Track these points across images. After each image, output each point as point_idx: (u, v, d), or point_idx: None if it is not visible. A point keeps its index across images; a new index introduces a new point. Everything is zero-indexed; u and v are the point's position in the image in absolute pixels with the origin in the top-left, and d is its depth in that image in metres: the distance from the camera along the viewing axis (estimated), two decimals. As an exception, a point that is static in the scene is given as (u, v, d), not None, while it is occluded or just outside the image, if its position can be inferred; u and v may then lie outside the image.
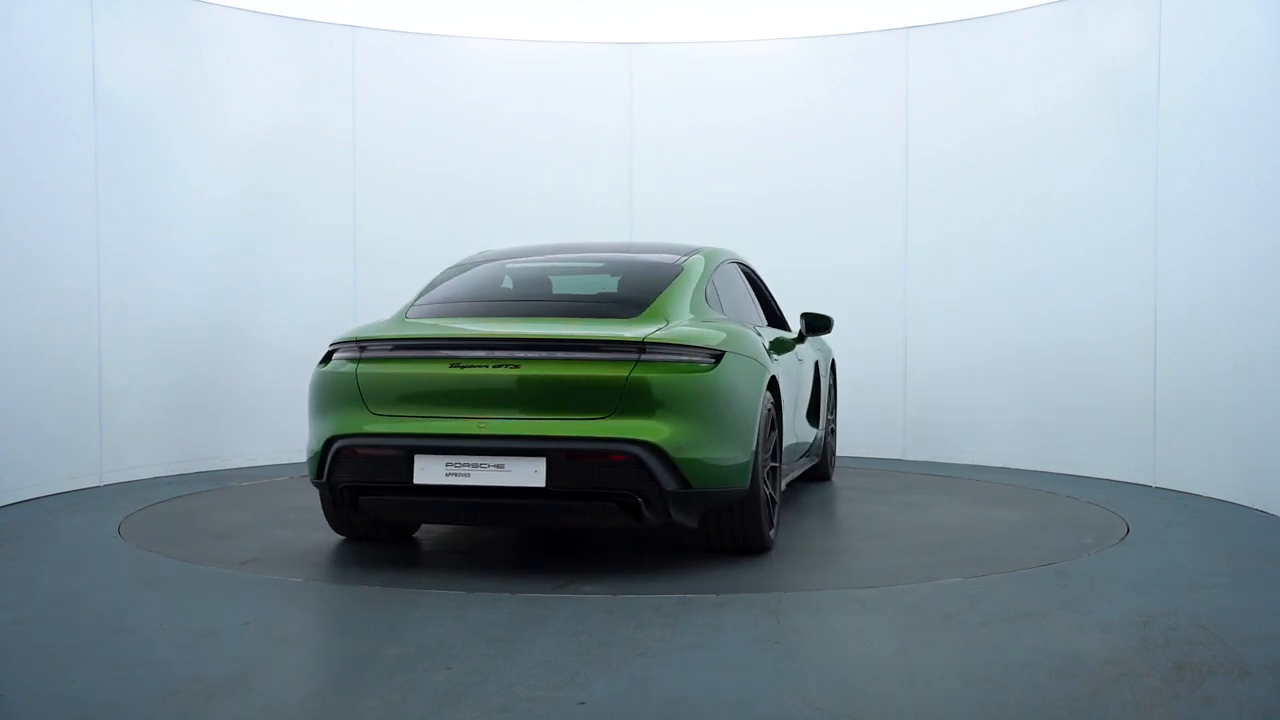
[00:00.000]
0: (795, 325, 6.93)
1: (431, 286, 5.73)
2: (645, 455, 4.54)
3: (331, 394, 4.95)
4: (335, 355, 5.06)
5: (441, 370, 4.76)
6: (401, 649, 3.70)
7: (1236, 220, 6.52)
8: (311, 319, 8.13)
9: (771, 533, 5.24)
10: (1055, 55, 7.92)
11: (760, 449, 5.00)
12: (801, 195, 8.96)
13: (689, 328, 4.96)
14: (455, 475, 4.62)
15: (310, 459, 5.00)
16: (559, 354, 4.71)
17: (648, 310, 5.09)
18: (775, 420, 5.37)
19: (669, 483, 4.58)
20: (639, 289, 5.33)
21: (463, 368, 4.73)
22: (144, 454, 7.53)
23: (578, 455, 4.56)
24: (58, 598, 4.45)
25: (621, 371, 4.63)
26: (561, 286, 5.72)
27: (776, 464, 5.40)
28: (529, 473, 4.57)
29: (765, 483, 5.18)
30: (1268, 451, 6.22)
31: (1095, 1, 7.65)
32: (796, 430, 6.24)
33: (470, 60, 9.02)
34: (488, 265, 5.93)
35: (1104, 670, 3.49)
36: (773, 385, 5.31)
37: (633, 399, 4.60)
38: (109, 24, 7.21)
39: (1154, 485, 7.18)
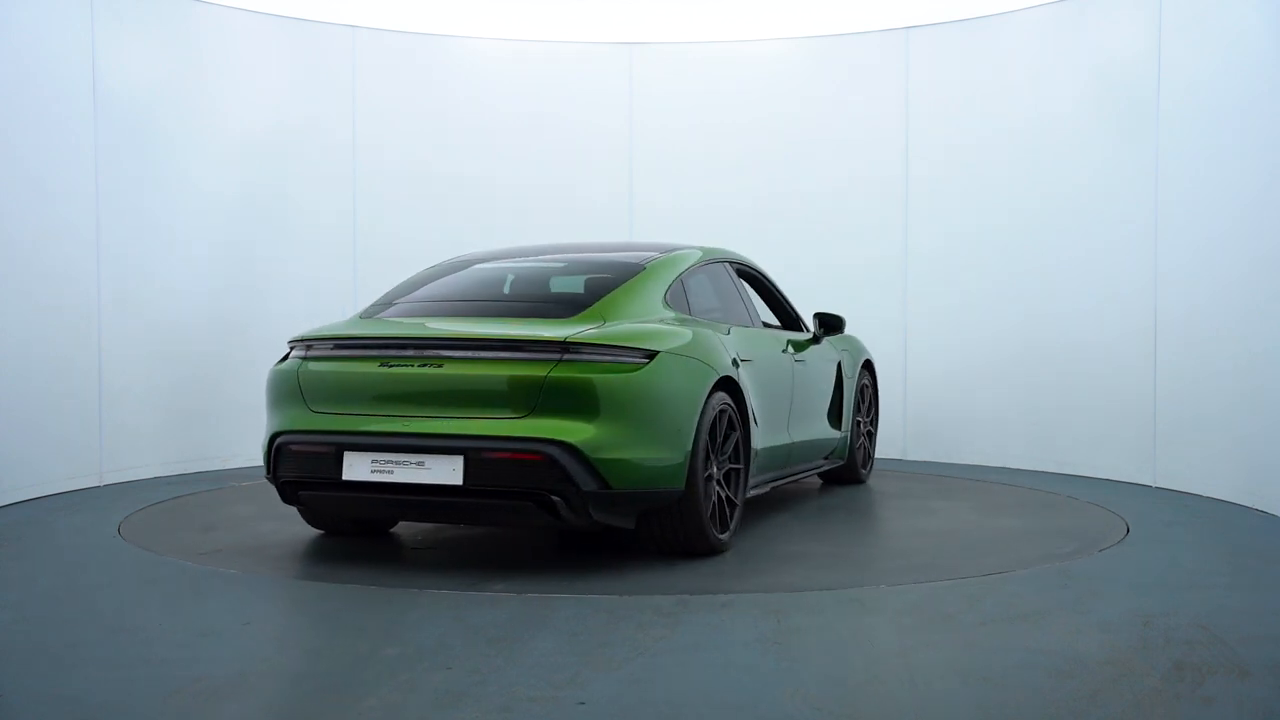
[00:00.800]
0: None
1: (399, 288, 5.82)
2: (560, 455, 4.55)
3: (279, 391, 5.12)
4: (291, 354, 5.21)
5: (372, 369, 4.86)
6: (401, 649, 3.70)
7: (1236, 220, 6.52)
8: (312, 318, 8.11)
9: (726, 534, 5.19)
10: (1055, 55, 7.92)
11: (702, 450, 4.94)
12: (801, 195, 8.96)
13: (623, 327, 4.95)
14: (380, 472, 4.71)
15: (263, 454, 5.13)
16: (481, 354, 4.76)
17: (589, 310, 5.09)
18: (737, 422, 5.31)
19: (587, 483, 4.58)
20: (590, 289, 5.36)
21: (390, 366, 4.82)
22: (144, 454, 7.53)
23: (494, 454, 4.59)
24: (58, 598, 4.45)
25: (540, 371, 4.65)
26: (517, 287, 5.68)
27: (739, 466, 5.34)
28: (447, 471, 4.62)
29: (721, 484, 5.16)
30: (1268, 451, 6.22)
31: (1095, 1, 7.65)
32: (792, 432, 6.18)
33: (470, 60, 9.02)
34: (456, 266, 5.97)
35: (1104, 670, 3.49)
36: (728, 386, 5.24)
37: (552, 399, 4.62)
38: (109, 24, 7.21)
39: (1154, 485, 7.18)
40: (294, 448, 4.95)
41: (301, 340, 5.17)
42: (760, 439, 5.64)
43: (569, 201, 9.04)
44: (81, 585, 4.66)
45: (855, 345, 7.51)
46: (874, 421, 7.75)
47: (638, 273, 5.48)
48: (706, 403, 5.00)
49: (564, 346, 4.70)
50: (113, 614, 4.20)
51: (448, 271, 5.92)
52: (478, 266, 5.92)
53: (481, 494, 4.64)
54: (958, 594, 4.45)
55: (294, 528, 5.79)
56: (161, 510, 6.35)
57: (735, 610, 4.19)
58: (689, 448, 4.87)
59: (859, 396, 7.39)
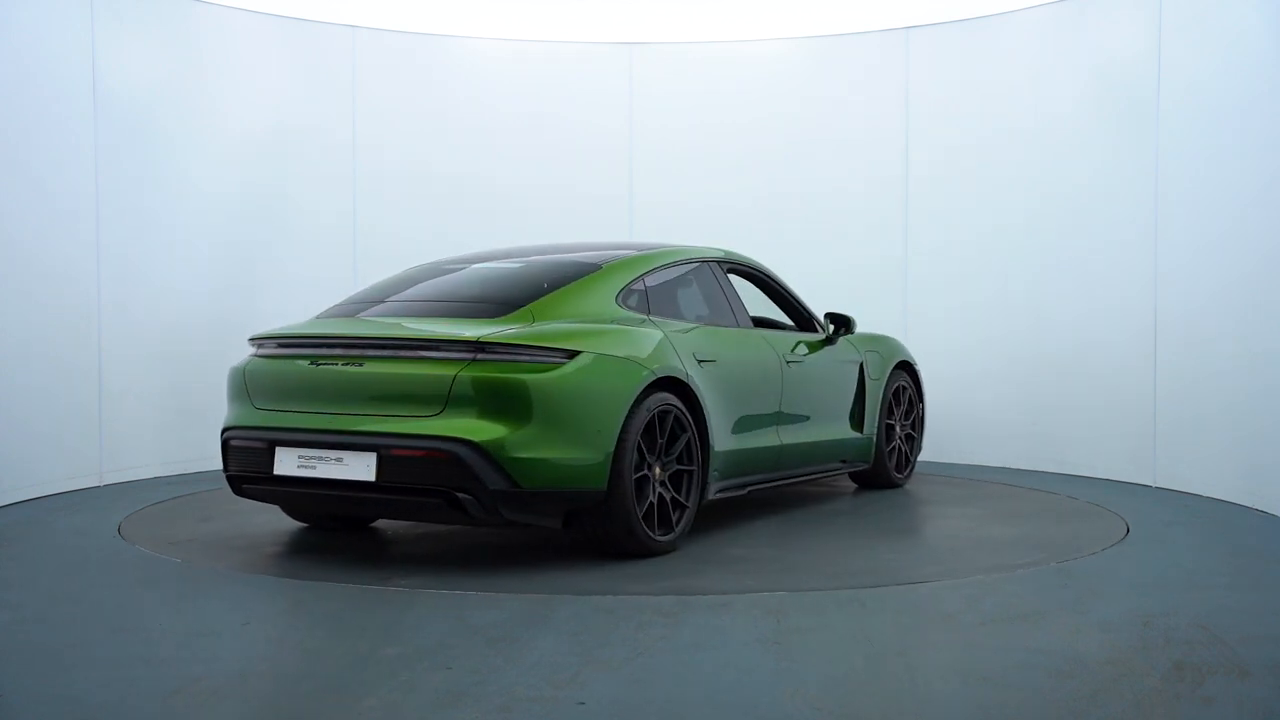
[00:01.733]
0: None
1: (365, 290, 5.92)
2: (466, 454, 4.61)
3: (231, 389, 5.38)
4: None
5: (303, 367, 5.04)
6: (401, 649, 3.70)
7: (1237, 220, 6.52)
8: (311, 318, 8.12)
9: (669, 536, 5.15)
10: (1055, 55, 7.92)
11: (630, 451, 4.91)
12: (801, 195, 8.95)
13: (546, 327, 4.99)
14: (305, 467, 4.89)
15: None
16: (399, 353, 4.88)
17: (521, 310, 5.12)
18: (688, 423, 5.25)
19: (495, 482, 4.64)
20: (532, 290, 5.33)
21: (319, 365, 4.99)
22: (144, 454, 7.53)
23: (404, 452, 4.70)
24: (58, 598, 4.45)
25: (451, 371, 4.73)
26: (466, 288, 5.60)
27: (690, 468, 5.28)
28: (362, 467, 4.75)
29: (665, 485, 5.15)
30: (1268, 451, 6.22)
31: (1095, 1, 7.65)
32: (783, 434, 6.10)
33: (470, 60, 9.02)
34: (425, 268, 6.01)
35: (1104, 670, 3.49)
36: (675, 387, 5.21)
37: (463, 398, 4.69)
38: (109, 24, 7.21)
39: (1154, 485, 7.18)
40: (235, 443, 5.15)
41: (255, 339, 5.36)
42: (726, 441, 5.58)
43: (569, 201, 9.04)
44: (81, 585, 4.66)
45: (889, 346, 7.35)
46: (915, 424, 7.54)
47: (590, 273, 5.50)
48: (639, 403, 4.99)
49: (478, 346, 4.77)
50: (113, 614, 4.20)
51: (419, 272, 5.95)
52: (445, 268, 5.92)
53: (394, 490, 4.74)
54: (958, 594, 4.45)
55: (292, 528, 5.79)
56: (161, 510, 6.35)
57: (735, 610, 4.19)
58: (611, 448, 4.87)
59: (893, 398, 7.23)
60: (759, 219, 8.96)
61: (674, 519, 5.21)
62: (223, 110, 8.01)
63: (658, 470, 5.12)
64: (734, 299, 6.25)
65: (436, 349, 4.81)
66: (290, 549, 5.35)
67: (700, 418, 5.37)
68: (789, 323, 6.90)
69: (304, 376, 5.01)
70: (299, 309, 8.21)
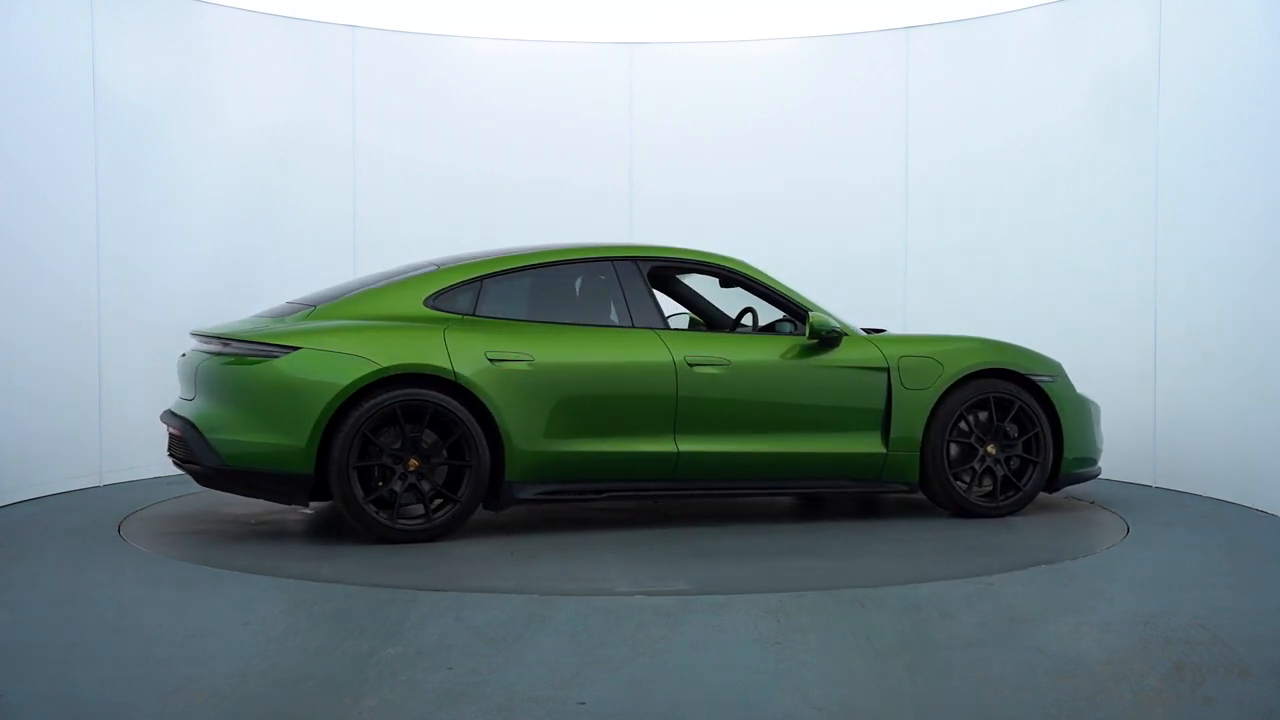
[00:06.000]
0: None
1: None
2: (188, 433, 5.45)
3: None
4: None
5: (179, 359, 5.95)
6: (401, 649, 3.70)
7: (1239, 219, 6.52)
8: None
9: (423, 526, 5.34)
10: (1055, 55, 7.92)
11: (347, 440, 5.22)
12: (801, 195, 8.94)
13: (288, 325, 5.56)
14: (168, 439, 5.78)
15: None
16: (198, 346, 5.70)
17: (312, 310, 5.70)
18: (464, 419, 5.35)
19: (209, 459, 5.36)
20: (345, 292, 5.89)
21: (183, 356, 5.88)
22: (144, 454, 7.51)
23: (171, 429, 5.64)
24: (58, 598, 4.45)
25: (197, 361, 5.59)
26: (330, 289, 6.10)
27: (470, 464, 5.38)
28: (169, 442, 5.73)
29: (422, 477, 5.34)
30: (1268, 451, 6.22)
31: (1095, 1, 7.65)
32: (684, 443, 5.70)
33: (470, 60, 9.02)
34: (379, 273, 6.30)
35: (1104, 670, 3.50)
36: (438, 384, 5.36)
37: (203, 385, 5.54)
38: (109, 24, 7.21)
39: (1154, 485, 7.18)
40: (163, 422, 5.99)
41: None
42: (543, 442, 5.49)
43: (570, 200, 9.03)
44: (81, 585, 4.66)
45: (958, 350, 6.25)
46: (1035, 447, 6.18)
47: (417, 275, 5.81)
48: (366, 396, 5.28)
49: (224, 341, 5.50)
50: (113, 614, 4.20)
51: (366, 277, 6.34)
52: (392, 273, 6.14)
53: (180, 461, 5.62)
54: (958, 594, 4.45)
55: (292, 527, 5.79)
56: (161, 510, 6.35)
57: (735, 610, 4.19)
58: (314, 435, 5.24)
59: (968, 412, 6.15)
60: (758, 218, 8.94)
61: (434, 511, 5.40)
62: (223, 110, 8.00)
63: (412, 461, 5.35)
64: (639, 298, 5.91)
65: (209, 342, 5.59)
66: (290, 548, 5.35)
67: (486, 416, 5.45)
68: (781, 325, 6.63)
69: (178, 366, 5.93)
70: (299, 309, 8.21)
